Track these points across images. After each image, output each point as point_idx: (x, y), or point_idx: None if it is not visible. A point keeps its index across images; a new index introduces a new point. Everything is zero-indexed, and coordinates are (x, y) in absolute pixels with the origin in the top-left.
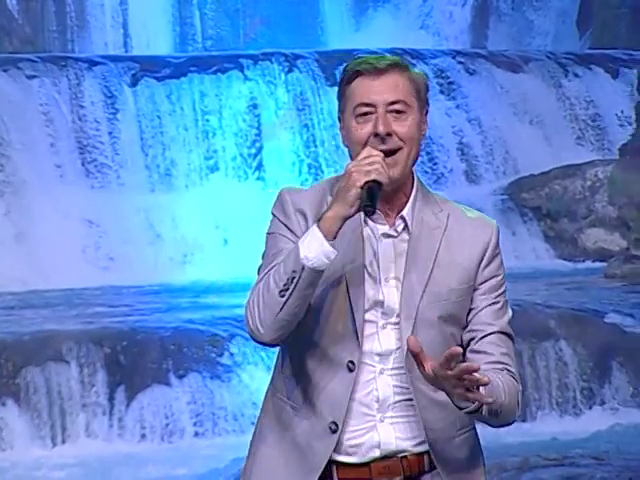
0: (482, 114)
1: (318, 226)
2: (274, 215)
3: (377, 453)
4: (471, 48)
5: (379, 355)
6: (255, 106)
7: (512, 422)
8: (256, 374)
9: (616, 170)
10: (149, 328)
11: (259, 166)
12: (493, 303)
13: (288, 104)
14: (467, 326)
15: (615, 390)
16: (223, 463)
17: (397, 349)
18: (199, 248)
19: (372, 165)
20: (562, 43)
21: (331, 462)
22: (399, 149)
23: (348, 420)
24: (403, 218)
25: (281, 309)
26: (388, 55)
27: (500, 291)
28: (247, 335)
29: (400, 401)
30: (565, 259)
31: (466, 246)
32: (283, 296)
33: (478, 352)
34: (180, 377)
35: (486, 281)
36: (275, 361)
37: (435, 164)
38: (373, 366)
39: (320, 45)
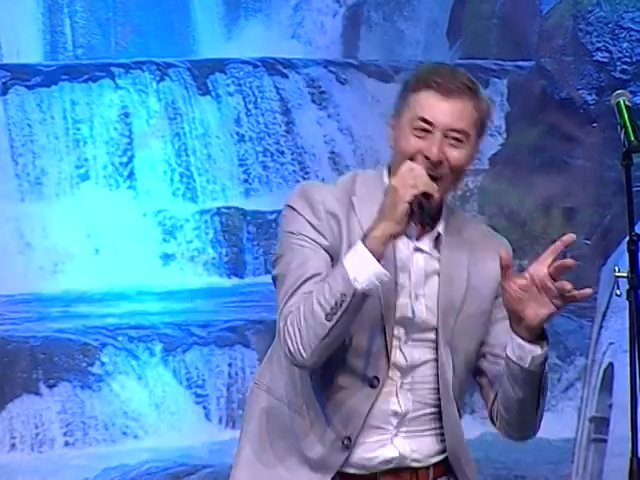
0: (353, 123)
1: (366, 245)
2: (298, 212)
3: (390, 466)
4: (342, 58)
5: (400, 370)
6: (126, 115)
7: (529, 435)
8: (127, 383)
9: (486, 180)
10: (19, 337)
11: (130, 175)
12: (504, 317)
13: (160, 113)
14: (491, 337)
15: None
16: (93, 473)
17: (422, 364)
18: (70, 257)
19: (417, 179)
20: (433, 53)
21: (336, 473)
22: (443, 177)
23: (362, 434)
24: (436, 235)
25: (328, 334)
26: (460, 72)
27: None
28: (118, 344)
29: (418, 416)
30: None
31: (490, 267)
32: (330, 320)
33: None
34: (50, 387)
35: (497, 298)
36: (269, 358)
37: (307, 173)
38: (394, 380)
39: (192, 54)
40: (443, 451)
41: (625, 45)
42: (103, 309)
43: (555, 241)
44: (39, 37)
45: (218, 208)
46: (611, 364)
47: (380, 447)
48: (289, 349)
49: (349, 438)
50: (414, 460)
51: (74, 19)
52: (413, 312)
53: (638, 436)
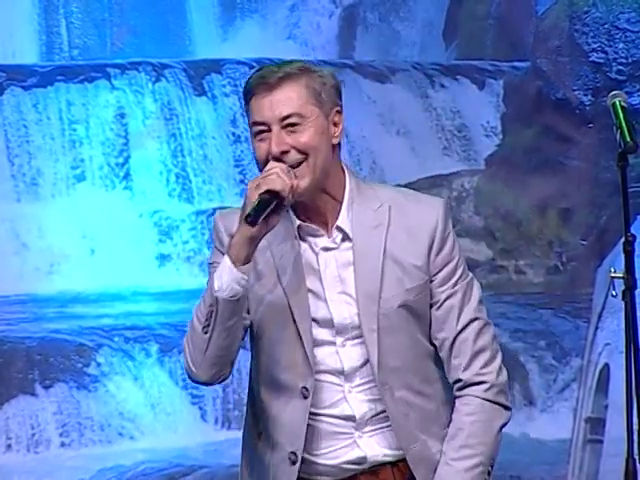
0: (349, 124)
1: (228, 253)
2: (212, 244)
3: (364, 466)
4: (338, 58)
5: (343, 374)
6: (122, 115)
7: None
8: (123, 384)
9: (482, 180)
10: (15, 338)
11: (126, 175)
12: (453, 293)
13: (156, 113)
14: (431, 324)
15: None
16: (89, 474)
17: (363, 365)
18: (65, 258)
19: (265, 178)
20: (428, 54)
21: None
22: (302, 161)
23: (318, 444)
24: (340, 228)
25: (207, 346)
26: (287, 63)
27: (457, 275)
28: (114, 345)
29: (377, 413)
30: None
31: (413, 239)
32: (206, 332)
33: (449, 370)
34: (46, 387)
35: (440, 270)
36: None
37: None
38: (340, 385)
39: (188, 55)
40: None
41: (621, 46)
42: (99, 310)
43: (551, 242)
44: (35, 38)
45: (214, 209)
46: (607, 365)
47: (347, 452)
48: (185, 365)
49: (294, 454)
50: (387, 455)
51: (70, 20)
52: (331, 313)
53: (634, 437)
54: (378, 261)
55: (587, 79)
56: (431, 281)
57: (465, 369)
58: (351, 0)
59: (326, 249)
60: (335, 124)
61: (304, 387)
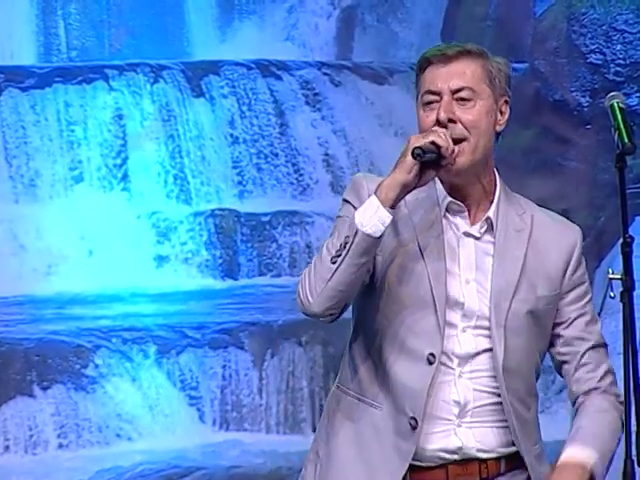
0: (347, 125)
1: (376, 194)
2: (346, 200)
3: (456, 457)
4: (336, 60)
5: (458, 357)
6: (120, 117)
7: None
8: (121, 385)
9: None
10: (13, 339)
11: (124, 177)
12: (583, 313)
13: (154, 115)
14: (555, 340)
15: None
16: (87, 475)
17: (480, 353)
18: (64, 259)
19: (429, 132)
20: None
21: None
22: (464, 139)
23: (426, 420)
24: (489, 219)
25: (332, 276)
26: (466, 43)
27: (587, 299)
28: (112, 346)
29: (480, 406)
30: None
31: (552, 250)
32: (335, 262)
33: (579, 380)
34: (44, 388)
35: (573, 289)
36: (343, 359)
37: (301, 175)
38: (452, 368)
39: (186, 56)
40: (514, 443)
41: (619, 47)
42: (97, 311)
43: None
44: (33, 39)
45: (212, 210)
46: None
47: (444, 437)
48: (299, 296)
49: (415, 419)
50: (480, 451)
51: (68, 21)
52: (464, 296)
53: (632, 438)
54: (518, 262)
55: (585, 80)
56: (562, 298)
57: (600, 380)
58: (349, 1)
59: (468, 235)
60: (501, 112)
61: (431, 353)
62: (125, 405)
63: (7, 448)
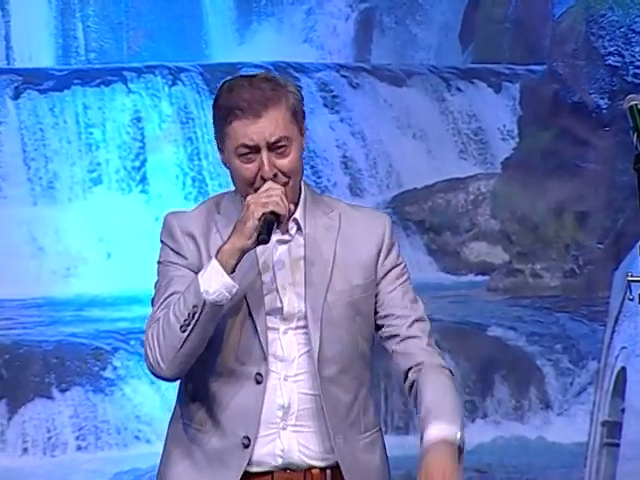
0: (365, 128)
1: (217, 259)
2: (163, 242)
3: (279, 462)
4: (355, 62)
5: (282, 361)
6: (139, 119)
7: None
8: (139, 387)
9: (499, 184)
10: (32, 341)
11: (143, 179)
12: (403, 293)
13: (172, 117)
14: (380, 321)
15: (497, 403)
16: (105, 477)
17: (301, 355)
18: (82, 261)
19: (270, 197)
20: (445, 57)
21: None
22: (286, 184)
23: (258, 431)
24: (296, 220)
25: (183, 345)
26: (259, 79)
27: (404, 278)
28: (130, 349)
29: (305, 409)
30: (448, 272)
31: (362, 241)
32: (185, 331)
33: (406, 354)
34: (63, 391)
35: (389, 272)
36: (178, 387)
37: (319, 177)
38: (277, 373)
39: (204, 58)
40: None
41: (637, 49)
42: (115, 313)
43: (567, 245)
44: (51, 41)
45: None
46: (624, 368)
47: (270, 442)
48: (149, 360)
49: (247, 438)
50: (305, 456)
51: (86, 23)
52: (281, 302)
53: None
54: (329, 259)
55: (603, 82)
56: (379, 283)
57: (428, 353)
58: (367, 3)
59: (281, 242)
60: (304, 138)
61: (258, 373)
62: (143, 407)
63: (26, 450)
